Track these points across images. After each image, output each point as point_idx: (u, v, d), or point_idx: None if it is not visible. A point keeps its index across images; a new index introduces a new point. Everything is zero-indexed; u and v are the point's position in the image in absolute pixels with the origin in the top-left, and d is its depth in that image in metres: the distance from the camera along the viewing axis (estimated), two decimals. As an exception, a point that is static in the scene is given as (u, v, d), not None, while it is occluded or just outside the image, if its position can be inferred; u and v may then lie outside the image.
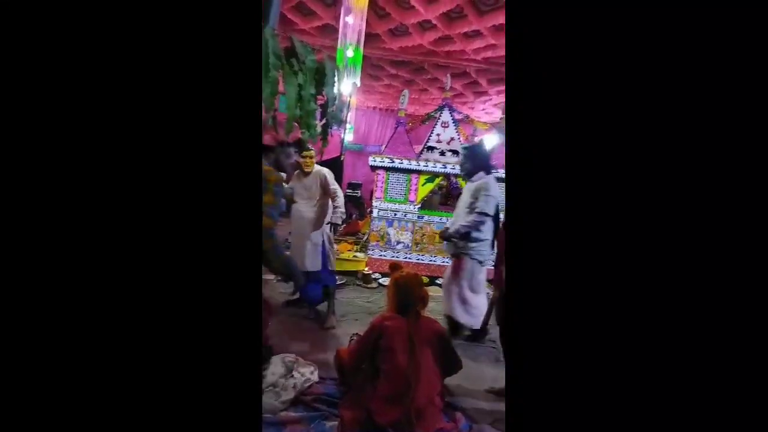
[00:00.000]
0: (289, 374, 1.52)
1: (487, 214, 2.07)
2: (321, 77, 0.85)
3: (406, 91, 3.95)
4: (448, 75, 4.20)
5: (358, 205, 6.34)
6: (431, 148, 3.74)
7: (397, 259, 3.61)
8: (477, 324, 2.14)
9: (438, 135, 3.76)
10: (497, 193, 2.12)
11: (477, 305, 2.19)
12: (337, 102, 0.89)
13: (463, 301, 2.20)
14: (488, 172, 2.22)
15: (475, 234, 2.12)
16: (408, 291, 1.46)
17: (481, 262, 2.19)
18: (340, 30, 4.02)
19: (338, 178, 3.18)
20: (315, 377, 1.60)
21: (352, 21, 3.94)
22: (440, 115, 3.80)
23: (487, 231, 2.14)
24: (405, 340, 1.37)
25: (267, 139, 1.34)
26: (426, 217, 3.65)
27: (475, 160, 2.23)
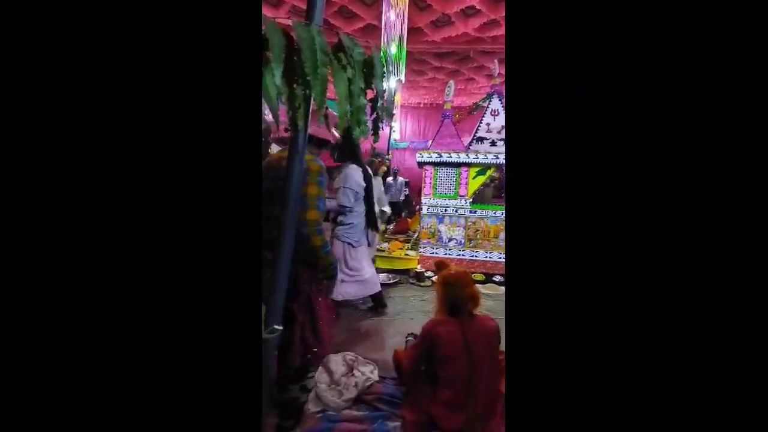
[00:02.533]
0: (350, 372, 1.53)
1: (344, 206, 2.29)
2: (369, 70, 0.82)
3: (451, 82, 3.83)
4: (496, 61, 3.99)
5: (407, 203, 6.32)
6: (481, 139, 3.58)
7: (449, 256, 3.51)
8: (371, 291, 2.45)
9: (488, 124, 3.59)
10: (355, 184, 2.27)
11: (365, 278, 2.40)
12: (387, 95, 0.86)
13: (349, 280, 2.36)
14: (355, 162, 2.33)
15: (340, 218, 2.35)
16: (457, 290, 1.37)
17: (351, 244, 2.36)
18: (383, 28, 4.00)
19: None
20: (375, 376, 1.60)
21: (394, 17, 3.90)
22: (489, 104, 3.62)
23: (352, 216, 2.32)
24: (460, 346, 1.29)
25: (314, 130, 1.30)
26: (479, 212, 3.50)
27: (347, 149, 2.31)
